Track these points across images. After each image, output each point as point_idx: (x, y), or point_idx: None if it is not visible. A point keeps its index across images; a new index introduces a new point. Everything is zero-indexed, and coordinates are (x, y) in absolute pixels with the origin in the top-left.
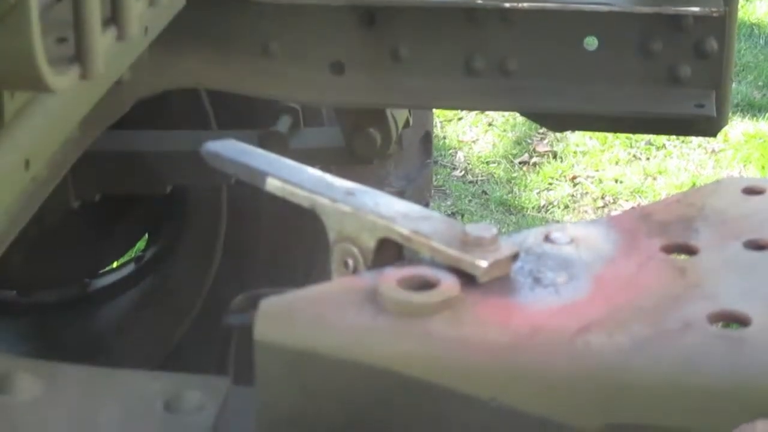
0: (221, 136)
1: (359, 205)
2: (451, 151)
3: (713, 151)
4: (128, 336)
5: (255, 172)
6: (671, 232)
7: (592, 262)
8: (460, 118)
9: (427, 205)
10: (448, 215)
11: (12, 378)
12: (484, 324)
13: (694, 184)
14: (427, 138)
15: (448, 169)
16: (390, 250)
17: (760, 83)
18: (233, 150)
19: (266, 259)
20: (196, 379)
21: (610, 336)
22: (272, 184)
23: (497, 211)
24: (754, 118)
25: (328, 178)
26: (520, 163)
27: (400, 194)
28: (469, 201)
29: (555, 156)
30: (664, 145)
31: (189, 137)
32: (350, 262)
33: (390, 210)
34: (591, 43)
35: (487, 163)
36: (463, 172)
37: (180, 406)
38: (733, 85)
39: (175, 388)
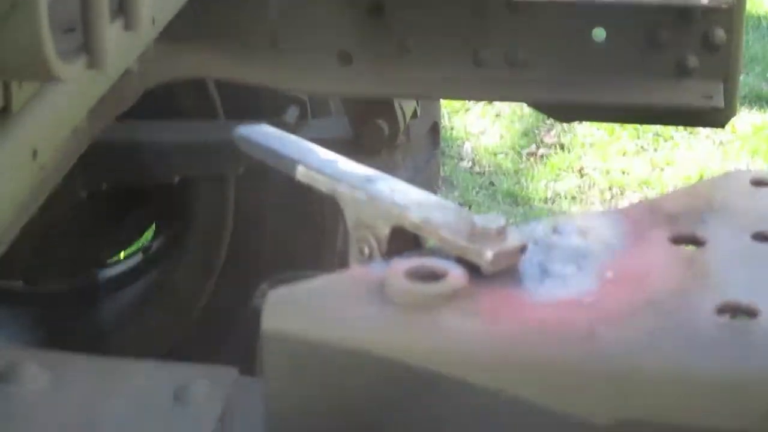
0: (228, 127)
1: (375, 192)
2: (458, 142)
3: (721, 142)
4: (136, 326)
5: (281, 157)
6: (679, 224)
7: (600, 254)
8: (467, 110)
9: None
10: None
11: (19, 368)
12: (491, 315)
13: (701, 176)
14: (434, 129)
15: (456, 160)
16: (405, 239)
17: (767, 75)
18: (264, 135)
19: (273, 251)
20: (204, 369)
21: (617, 327)
22: (297, 170)
23: (504, 203)
24: (762, 110)
25: (352, 165)
26: (527, 154)
27: None
28: (477, 192)
29: (562, 147)
30: (671, 137)
31: (196, 128)
32: (366, 249)
33: (405, 198)
34: (599, 34)
35: (495, 154)
36: (470, 163)
37: (188, 396)
38: (741, 76)
39: (183, 378)
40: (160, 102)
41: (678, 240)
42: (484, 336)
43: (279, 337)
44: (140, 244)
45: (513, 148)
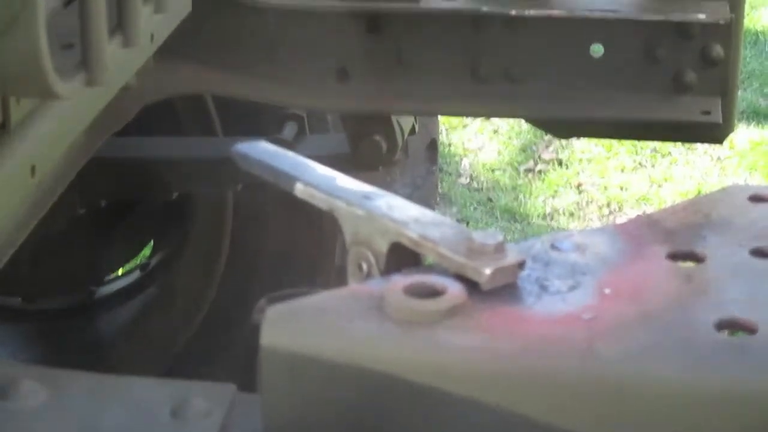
0: (226, 143)
1: (373, 208)
2: (456, 158)
3: (719, 158)
4: (134, 342)
5: (279, 174)
6: (677, 240)
7: (598, 270)
8: (465, 126)
9: None
10: None
11: (17, 385)
12: (490, 331)
13: (699, 192)
14: (432, 145)
15: (454, 177)
16: (404, 255)
17: (765, 90)
18: (262, 151)
19: (271, 266)
20: (202, 386)
21: (616, 343)
22: (295, 187)
23: (502, 219)
24: (760, 126)
25: (349, 181)
26: (525, 170)
27: None
28: (475, 208)
29: (560, 163)
30: (669, 153)
31: (194, 144)
32: (364, 266)
33: (403, 214)
34: (597, 50)
35: (493, 170)
36: (468, 180)
37: (186, 413)
38: (739, 92)
39: (181, 394)
40: (157, 118)
41: (676, 255)
42: (482, 352)
43: (278, 353)
44: (138, 261)
45: (511, 165)
